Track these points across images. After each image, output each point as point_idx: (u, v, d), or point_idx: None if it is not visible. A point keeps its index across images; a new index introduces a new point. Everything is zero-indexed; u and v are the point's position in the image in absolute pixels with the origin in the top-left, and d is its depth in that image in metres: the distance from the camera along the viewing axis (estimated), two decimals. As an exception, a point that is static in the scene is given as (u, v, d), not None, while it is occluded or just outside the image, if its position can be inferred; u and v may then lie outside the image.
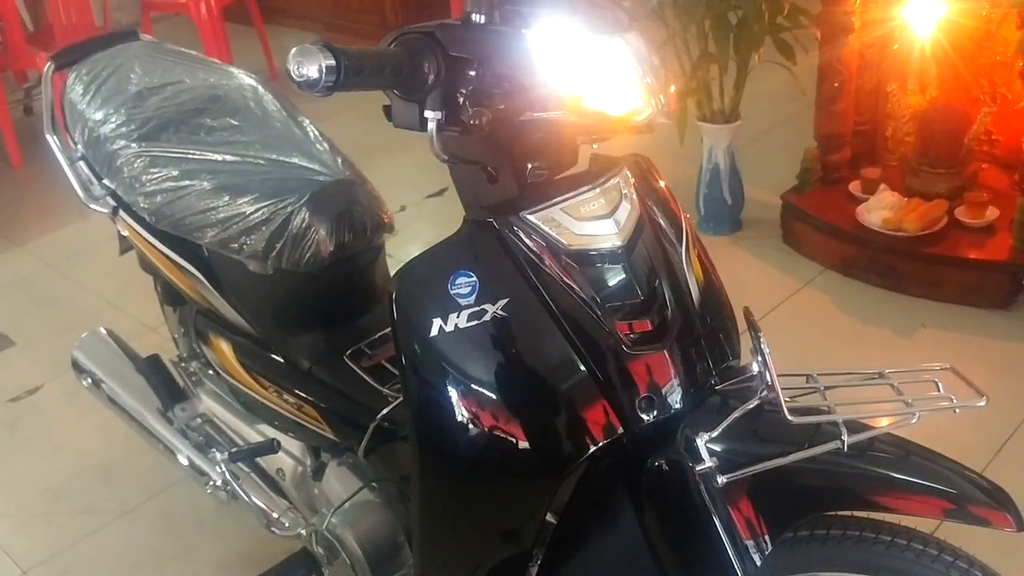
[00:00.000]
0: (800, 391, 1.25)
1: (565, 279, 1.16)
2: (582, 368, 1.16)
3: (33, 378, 2.96)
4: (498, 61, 1.05)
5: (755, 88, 3.28)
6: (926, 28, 2.88)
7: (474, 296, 1.16)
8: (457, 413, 1.20)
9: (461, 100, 1.06)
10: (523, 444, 1.19)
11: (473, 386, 1.19)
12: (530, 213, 1.15)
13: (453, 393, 1.19)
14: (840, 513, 1.24)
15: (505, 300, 1.15)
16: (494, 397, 1.19)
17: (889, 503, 1.19)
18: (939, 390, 1.23)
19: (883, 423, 1.18)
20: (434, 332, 1.17)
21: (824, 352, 2.65)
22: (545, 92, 1.05)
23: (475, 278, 1.16)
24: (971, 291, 2.83)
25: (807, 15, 3.03)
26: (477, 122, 1.02)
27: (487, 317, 1.16)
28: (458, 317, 1.16)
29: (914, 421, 1.16)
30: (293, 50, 0.96)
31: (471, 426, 1.20)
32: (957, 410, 1.19)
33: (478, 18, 1.07)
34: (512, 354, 1.18)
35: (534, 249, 1.16)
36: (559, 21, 1.06)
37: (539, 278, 1.16)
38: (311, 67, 0.96)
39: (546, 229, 1.15)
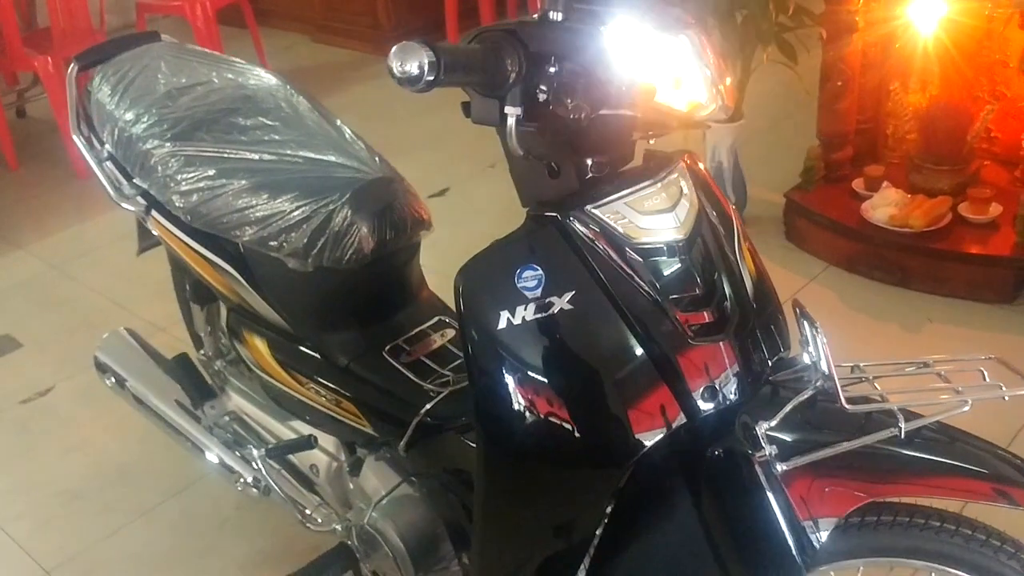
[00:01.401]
0: (847, 381, 1.28)
1: (629, 272, 1.18)
2: (647, 359, 1.18)
3: (43, 380, 2.96)
4: (576, 58, 1.08)
5: (755, 87, 3.32)
6: (929, 27, 2.92)
7: (540, 289, 1.18)
8: (523, 404, 1.22)
9: (542, 97, 1.08)
10: (589, 434, 1.22)
11: (540, 377, 1.21)
12: (595, 207, 1.18)
13: (520, 384, 1.21)
14: (889, 500, 1.27)
15: (571, 293, 1.18)
16: (560, 388, 1.21)
17: (940, 487, 1.22)
18: (985, 379, 1.26)
19: (935, 411, 1.21)
20: (502, 325, 1.19)
21: (833, 347, 2.68)
22: (620, 88, 1.08)
23: (541, 271, 1.18)
24: (977, 286, 2.88)
25: (811, 15, 3.07)
26: (576, 116, 1.04)
27: (554, 310, 1.18)
28: (525, 310, 1.18)
29: (966, 408, 1.19)
30: (394, 48, 0.98)
31: (537, 417, 1.22)
32: (1006, 398, 1.22)
33: (555, 16, 1.09)
34: (579, 345, 1.20)
35: (598, 242, 1.18)
36: (630, 19, 1.08)
37: (603, 271, 1.18)
38: (412, 64, 0.98)
39: (611, 223, 1.17)
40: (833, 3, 3.00)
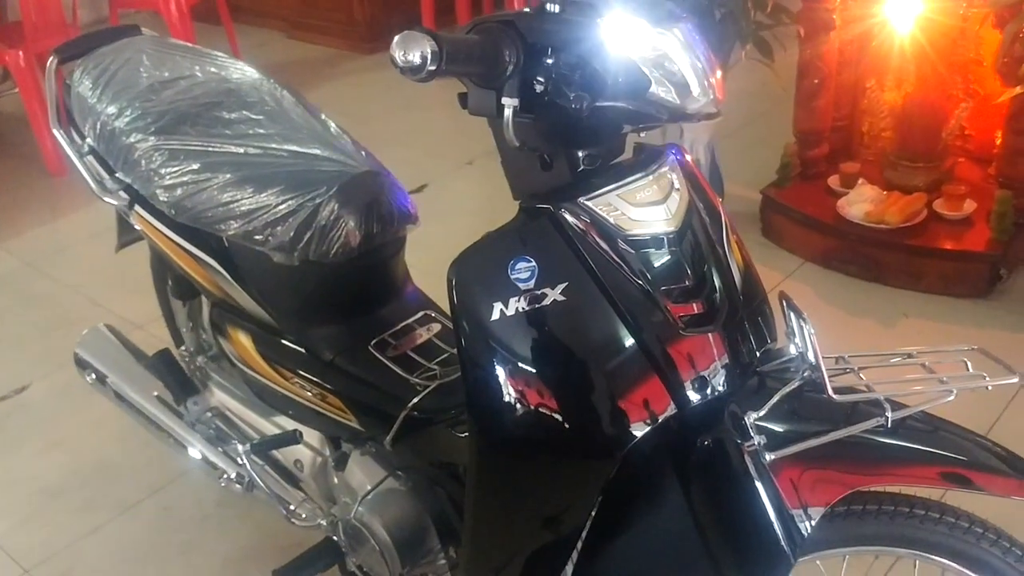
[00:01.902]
0: (833, 372, 1.29)
1: (621, 263, 1.19)
2: (639, 349, 1.19)
3: (19, 377, 2.92)
4: (573, 49, 1.08)
5: (732, 85, 3.32)
6: (904, 26, 2.96)
7: (534, 281, 1.19)
8: (518, 395, 1.22)
9: (538, 88, 1.09)
10: (580, 425, 1.23)
11: (533, 368, 1.21)
12: (588, 199, 1.19)
13: (513, 375, 1.22)
14: (873, 489, 1.29)
15: (564, 284, 1.18)
16: (552, 378, 1.22)
17: (923, 476, 1.24)
18: (968, 369, 1.28)
19: (920, 400, 1.23)
20: (495, 316, 1.20)
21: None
22: (615, 80, 1.09)
23: (534, 263, 1.19)
24: (951, 281, 2.93)
25: (788, 13, 3.10)
26: (578, 106, 1.05)
27: (547, 301, 1.19)
28: (519, 301, 1.19)
29: (951, 398, 1.21)
30: (396, 37, 0.99)
31: (532, 408, 1.22)
32: (990, 387, 1.24)
33: (552, 7, 1.10)
34: (572, 336, 1.21)
35: (591, 234, 1.19)
36: (625, 12, 1.09)
37: (596, 262, 1.19)
38: (415, 53, 0.99)
39: (603, 214, 1.18)
40: (810, 1, 3.04)
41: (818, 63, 3.12)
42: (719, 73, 1.21)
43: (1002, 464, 1.24)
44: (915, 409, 1.21)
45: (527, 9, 1.12)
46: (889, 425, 1.19)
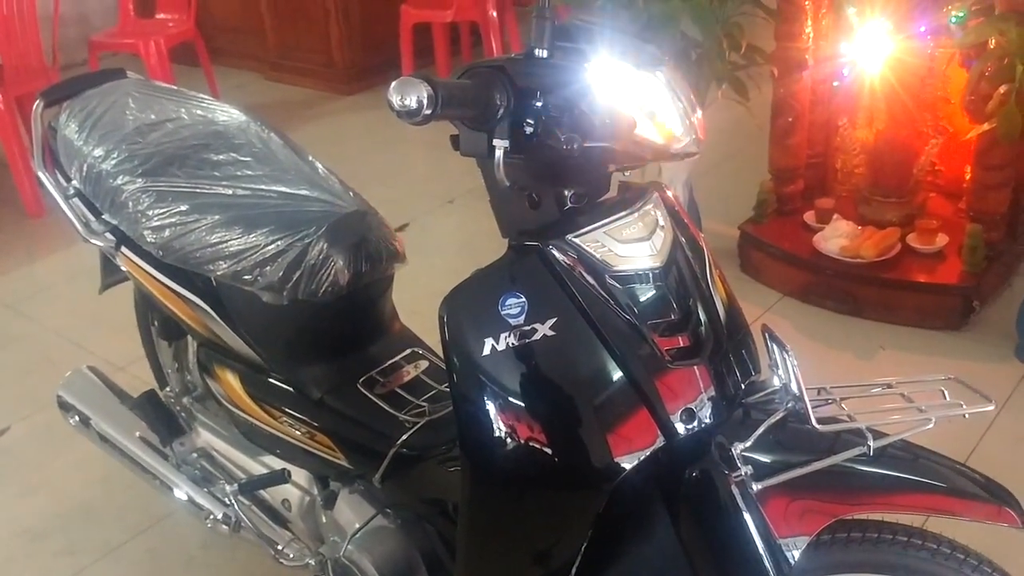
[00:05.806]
0: (815, 402, 1.32)
1: (608, 298, 1.22)
2: (627, 383, 1.22)
3: (-1, 420, 2.91)
4: (561, 93, 1.12)
5: (709, 124, 3.31)
6: (875, 65, 3.04)
7: (524, 316, 1.21)
8: (508, 429, 1.25)
9: (528, 130, 1.13)
10: (569, 459, 1.25)
11: (523, 402, 1.24)
12: (575, 236, 1.22)
13: (504, 410, 1.24)
14: (857, 517, 1.32)
15: (553, 319, 1.21)
16: (544, 412, 1.24)
17: (905, 503, 1.27)
18: (945, 398, 1.32)
19: (901, 428, 1.26)
20: (486, 351, 1.22)
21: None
22: (602, 121, 1.12)
23: (524, 299, 1.22)
24: (926, 314, 2.98)
25: (762, 53, 3.17)
26: (569, 147, 1.09)
27: (537, 336, 1.21)
28: (509, 336, 1.21)
29: (930, 426, 1.24)
30: (394, 83, 1.02)
31: (522, 442, 1.24)
32: (967, 415, 1.27)
33: (541, 53, 1.14)
34: (561, 370, 1.23)
35: (578, 270, 1.22)
36: (610, 56, 1.13)
37: (584, 297, 1.22)
38: (412, 98, 1.02)
39: (590, 251, 1.21)
40: (784, 41, 3.11)
41: (792, 102, 3.19)
42: (699, 113, 1.25)
43: (981, 490, 1.27)
44: (896, 437, 1.24)
45: (515, 55, 1.16)
46: (871, 454, 1.22)
